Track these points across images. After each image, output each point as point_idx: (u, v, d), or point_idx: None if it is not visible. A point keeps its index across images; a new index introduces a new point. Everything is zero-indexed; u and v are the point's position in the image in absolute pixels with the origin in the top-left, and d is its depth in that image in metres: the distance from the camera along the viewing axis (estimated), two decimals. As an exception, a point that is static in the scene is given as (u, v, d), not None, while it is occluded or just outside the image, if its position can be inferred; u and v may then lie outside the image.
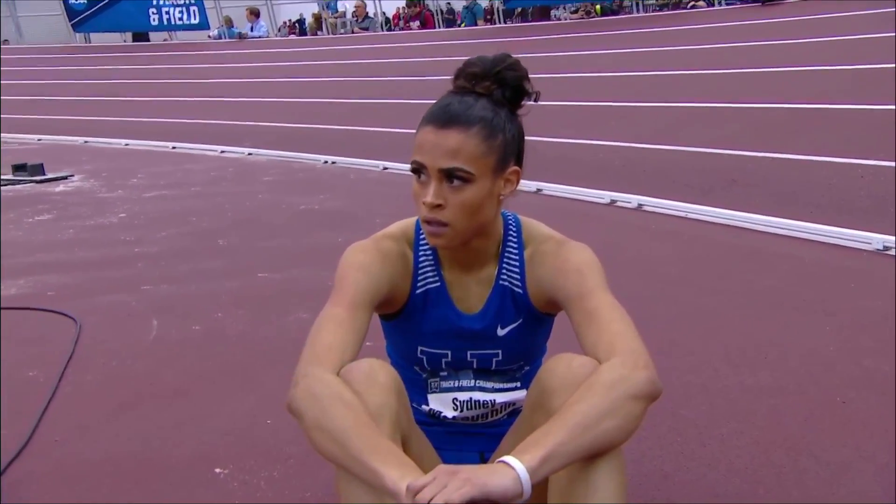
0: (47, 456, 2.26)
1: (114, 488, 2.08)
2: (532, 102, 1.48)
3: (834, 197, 4.51)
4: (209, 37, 17.64)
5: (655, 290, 3.41)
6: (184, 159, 8.24)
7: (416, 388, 1.60)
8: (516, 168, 1.46)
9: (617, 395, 1.24)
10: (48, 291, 3.84)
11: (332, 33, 16.60)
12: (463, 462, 1.30)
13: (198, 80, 12.97)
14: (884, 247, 3.68)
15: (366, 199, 5.70)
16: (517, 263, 1.53)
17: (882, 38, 7.36)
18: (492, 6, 15.43)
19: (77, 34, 18.35)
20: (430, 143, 1.39)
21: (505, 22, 15.18)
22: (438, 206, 1.40)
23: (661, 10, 13.63)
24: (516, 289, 1.53)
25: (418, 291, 1.54)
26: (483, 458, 1.60)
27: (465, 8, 15.68)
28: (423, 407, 1.63)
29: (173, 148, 8.91)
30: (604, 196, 5.07)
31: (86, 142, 9.82)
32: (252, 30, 17.08)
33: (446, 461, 1.41)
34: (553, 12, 14.94)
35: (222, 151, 8.42)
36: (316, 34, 17.06)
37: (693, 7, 13.18)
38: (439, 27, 15.74)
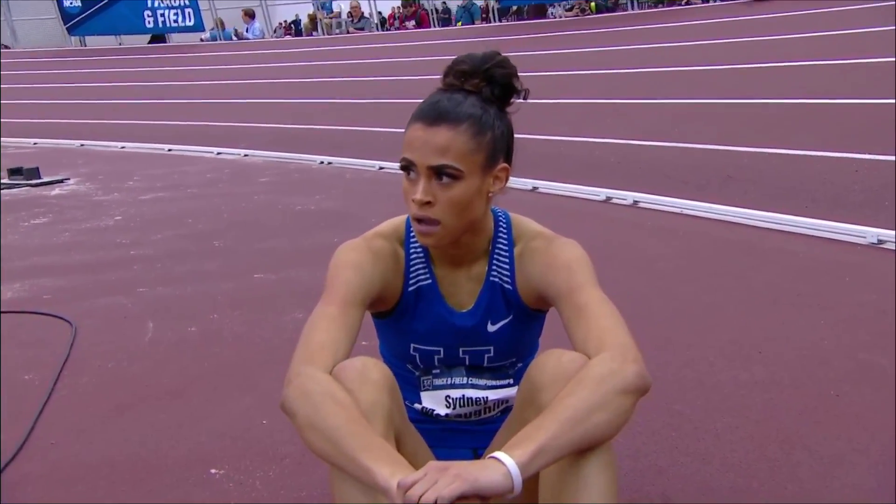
0: (43, 458, 2.26)
1: (110, 490, 2.08)
2: (521, 100, 1.48)
3: (829, 191, 4.52)
4: (201, 39, 17.63)
5: (651, 287, 3.41)
6: (180, 161, 8.24)
7: (409, 386, 1.61)
8: (505, 165, 1.47)
9: (607, 390, 1.24)
10: (44, 295, 3.84)
11: (328, 33, 16.61)
12: (456, 459, 1.30)
13: (193, 82, 12.96)
14: (878, 240, 3.69)
15: (362, 199, 5.70)
16: (507, 260, 1.54)
17: (876, 32, 7.38)
18: (487, 4, 15.43)
19: (72, 37, 18.34)
20: (419, 141, 1.39)
21: (500, 20, 15.18)
22: (428, 203, 1.40)
23: (655, 6, 13.65)
24: (506, 285, 1.54)
25: (410, 289, 1.54)
26: (476, 455, 1.61)
27: (461, 7, 15.68)
28: (416, 405, 1.63)
29: (169, 150, 8.91)
30: (599, 193, 5.08)
31: (82, 145, 9.82)
32: (247, 31, 17.08)
33: (440, 459, 1.41)
34: (550, 10, 14.94)
35: (218, 153, 8.41)
36: (311, 34, 17.07)
37: (688, 4, 13.20)
38: (435, 26, 15.75)
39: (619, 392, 1.24)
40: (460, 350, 1.57)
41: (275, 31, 18.36)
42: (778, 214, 4.16)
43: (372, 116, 8.55)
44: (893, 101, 5.48)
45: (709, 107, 6.84)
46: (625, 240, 4.17)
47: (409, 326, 1.56)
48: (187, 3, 17.37)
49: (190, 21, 17.54)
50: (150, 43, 17.90)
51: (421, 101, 1.45)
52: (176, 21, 17.52)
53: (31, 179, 7.23)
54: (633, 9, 13.65)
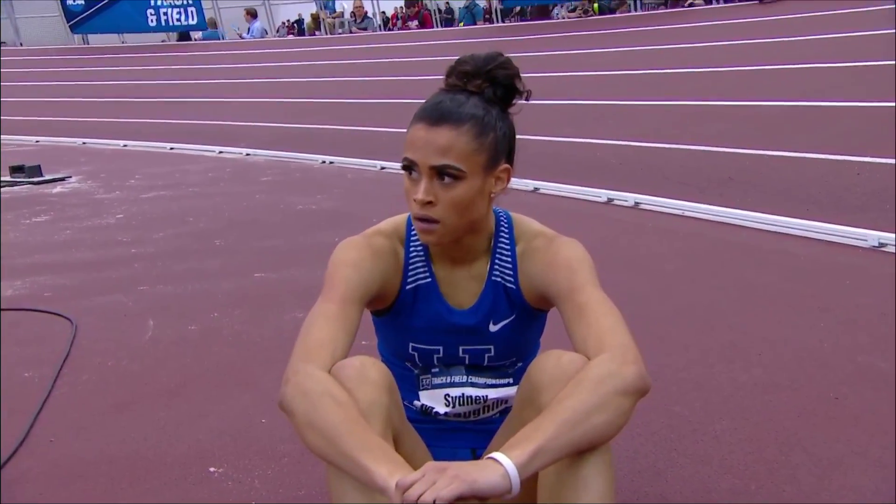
0: (43, 455, 2.26)
1: (109, 487, 2.08)
2: (523, 101, 1.49)
3: (830, 194, 4.51)
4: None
5: (651, 288, 3.41)
6: (182, 160, 8.24)
7: (408, 385, 1.61)
8: (507, 166, 1.47)
9: (606, 391, 1.24)
10: (45, 292, 3.85)
11: (330, 33, 16.62)
12: (455, 459, 1.30)
13: (196, 80, 12.97)
14: (879, 243, 3.68)
15: (363, 199, 5.70)
16: (509, 259, 1.54)
17: (878, 35, 7.37)
18: (490, 5, 15.43)
19: (75, 35, 18.35)
20: (421, 141, 1.40)
21: (503, 21, 15.18)
22: (429, 202, 1.40)
23: (658, 8, 13.64)
24: (509, 284, 1.54)
25: (408, 287, 1.54)
26: (475, 455, 1.61)
27: (464, 8, 15.68)
28: (415, 403, 1.63)
29: (171, 149, 8.91)
30: (601, 194, 5.07)
31: (84, 143, 9.82)
32: (249, 31, 17.10)
33: (438, 458, 1.41)
34: (554, 10, 14.93)
35: (220, 152, 8.42)
36: (314, 34, 17.08)
37: (691, 5, 13.19)
38: (437, 27, 15.75)
39: (618, 393, 1.24)
40: (460, 349, 1.57)
41: (278, 31, 18.37)
42: (779, 217, 4.15)
43: (374, 116, 8.55)
44: (895, 104, 5.48)
45: (710, 108, 6.84)
46: (626, 241, 4.17)
47: (408, 325, 1.56)
48: (190, 1, 17.38)
49: (193, 20, 17.55)
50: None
51: (423, 101, 1.45)
52: (179, 20, 17.53)
53: (32, 177, 7.24)
54: (635, 10, 13.64)
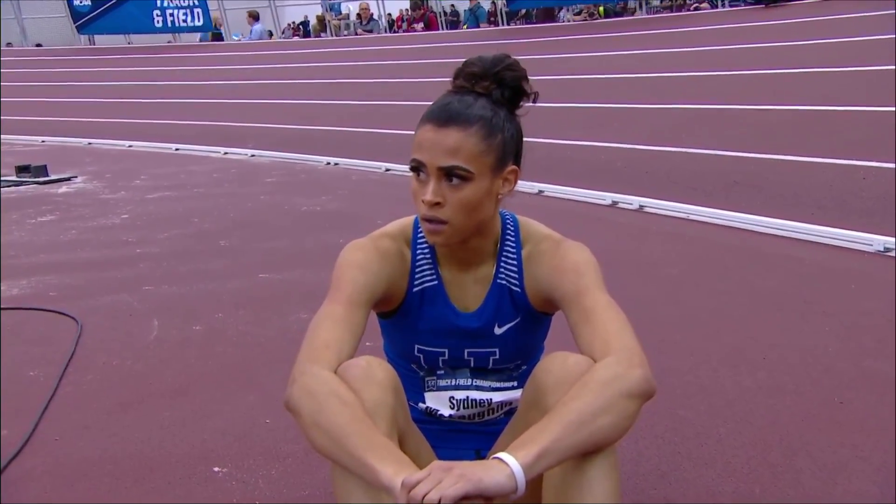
0: (47, 454, 2.26)
1: (113, 486, 2.08)
2: (531, 103, 1.49)
3: (835, 198, 4.51)
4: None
5: (656, 292, 3.41)
6: (187, 161, 8.26)
7: (413, 387, 1.61)
8: (515, 168, 1.47)
9: (611, 393, 1.24)
10: (50, 292, 3.86)
11: (336, 35, 16.63)
12: (459, 460, 1.30)
13: (201, 81, 12.99)
14: (885, 248, 3.68)
15: (368, 201, 5.71)
16: (515, 262, 1.54)
17: (885, 39, 7.35)
18: (495, 8, 15.43)
19: (81, 36, 18.40)
20: (429, 142, 1.40)
21: (508, 24, 15.18)
22: (437, 204, 1.41)
23: (664, 11, 13.64)
24: (514, 287, 1.54)
25: (415, 290, 1.54)
26: (479, 456, 1.61)
27: (468, 10, 15.68)
28: (420, 405, 1.63)
29: (177, 150, 8.94)
30: (605, 197, 5.08)
31: (89, 143, 9.86)
32: (252, 33, 17.13)
33: (442, 459, 1.41)
34: (561, 13, 14.92)
35: (225, 153, 8.44)
36: (320, 36, 17.10)
37: (697, 9, 13.18)
38: (443, 29, 15.75)
39: (623, 396, 1.25)
40: (465, 351, 1.57)
41: (283, 33, 18.39)
42: (784, 221, 4.16)
43: (379, 118, 8.57)
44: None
45: (716, 112, 6.84)
46: (630, 244, 4.18)
47: (414, 327, 1.56)
48: (196, 2, 17.41)
49: (199, 21, 17.58)
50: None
51: (430, 102, 1.45)
52: (185, 21, 17.55)
53: (38, 177, 7.27)
54: (641, 13, 13.64)
